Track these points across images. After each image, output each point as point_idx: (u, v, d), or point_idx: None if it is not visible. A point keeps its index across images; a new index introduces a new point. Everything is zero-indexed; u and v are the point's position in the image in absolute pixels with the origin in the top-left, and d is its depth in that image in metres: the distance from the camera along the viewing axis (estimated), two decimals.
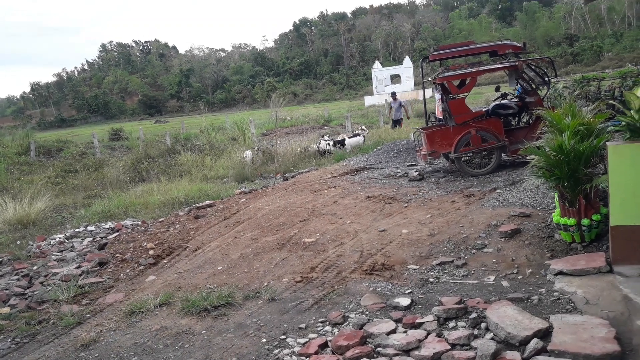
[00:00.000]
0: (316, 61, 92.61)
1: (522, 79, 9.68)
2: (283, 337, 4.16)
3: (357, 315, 4.35)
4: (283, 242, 6.66)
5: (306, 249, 6.32)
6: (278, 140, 19.48)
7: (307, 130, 22.60)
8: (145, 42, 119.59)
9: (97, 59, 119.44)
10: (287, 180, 11.67)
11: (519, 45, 9.92)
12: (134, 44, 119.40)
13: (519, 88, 10.25)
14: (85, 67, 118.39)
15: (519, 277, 4.76)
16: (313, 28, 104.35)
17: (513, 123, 10.06)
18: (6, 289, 6.28)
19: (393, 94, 19.37)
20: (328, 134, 16.91)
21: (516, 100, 10.09)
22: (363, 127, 17.62)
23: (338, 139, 16.02)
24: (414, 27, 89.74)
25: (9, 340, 4.87)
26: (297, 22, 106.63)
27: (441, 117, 9.85)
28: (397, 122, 18.73)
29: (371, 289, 4.91)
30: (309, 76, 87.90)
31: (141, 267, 6.62)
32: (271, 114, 29.10)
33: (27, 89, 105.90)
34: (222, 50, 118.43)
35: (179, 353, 4.13)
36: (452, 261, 5.27)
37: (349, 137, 16.04)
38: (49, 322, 5.22)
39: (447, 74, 9.29)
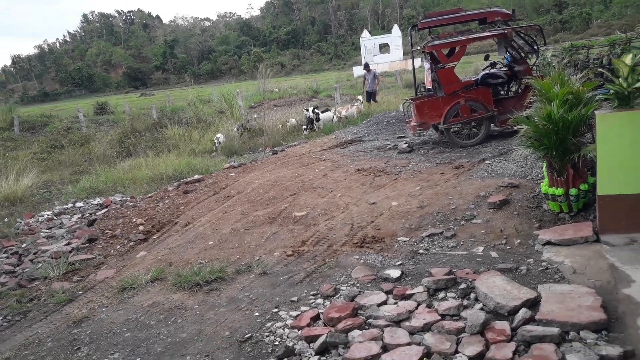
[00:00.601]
0: (303, 30, 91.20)
1: (511, 47, 9.62)
2: (275, 310, 4.19)
3: (348, 287, 4.39)
4: (274, 216, 6.66)
5: (297, 222, 6.34)
6: (265, 112, 19.30)
7: (295, 102, 22.39)
8: (128, 12, 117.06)
9: (79, 30, 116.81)
10: (277, 153, 11.62)
11: (508, 12, 9.83)
12: (116, 14, 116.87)
13: (508, 57, 10.19)
14: (67, 39, 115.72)
15: (508, 247, 4.82)
16: None
17: (502, 93, 10.03)
18: None
19: (366, 66, 18.89)
20: (316, 106, 16.49)
21: (505, 69, 10.04)
22: (359, 97, 17.24)
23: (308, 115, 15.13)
24: None
25: (1, 318, 4.87)
26: None
27: (430, 87, 9.79)
28: (370, 95, 18.14)
29: (362, 261, 4.95)
30: (297, 46, 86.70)
31: (131, 243, 6.60)
32: (259, 86, 28.79)
33: (8, 62, 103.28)
34: (207, 19, 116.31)
35: (172, 328, 4.16)
36: (442, 233, 5.32)
37: (322, 112, 15.73)
38: (40, 300, 5.22)
39: (436, 42, 9.20)
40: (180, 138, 15.97)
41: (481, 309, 3.60)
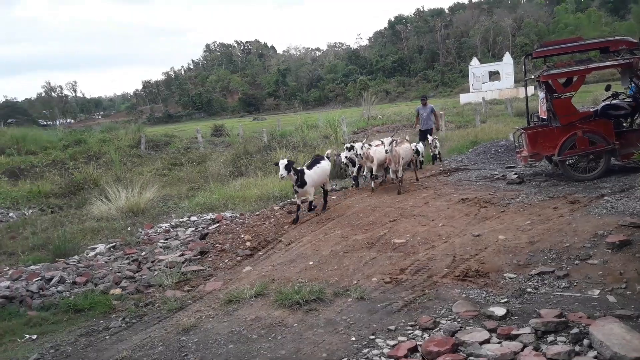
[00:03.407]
0: (410, 58, 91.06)
1: (636, 77, 8.90)
2: (372, 337, 4.18)
3: (448, 321, 4.27)
4: (372, 242, 6.68)
5: (396, 249, 6.30)
6: (368, 138, 19.37)
7: (398, 129, 22.33)
8: (246, 42, 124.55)
9: (201, 59, 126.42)
10: (377, 178, 11.61)
11: (634, 41, 9.12)
12: (235, 45, 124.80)
13: (632, 87, 9.44)
14: (191, 67, 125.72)
15: (628, 292, 4.42)
16: (408, 25, 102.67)
17: (625, 125, 9.28)
18: (118, 272, 6.90)
19: (423, 98, 15.04)
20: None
21: (629, 100, 9.29)
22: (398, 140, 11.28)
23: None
24: (515, 23, 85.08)
25: (120, 319, 5.34)
26: (392, 19, 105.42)
27: (545, 117, 9.34)
28: (426, 133, 13.87)
29: (464, 295, 4.79)
30: (402, 74, 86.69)
31: (238, 258, 6.96)
32: (363, 112, 29.14)
33: (139, 87, 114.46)
34: (318, 49, 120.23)
35: (272, 344, 4.30)
36: (553, 271, 5.00)
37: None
38: (154, 305, 5.66)
39: (552, 71, 8.79)
40: None
41: (595, 357, 3.33)
